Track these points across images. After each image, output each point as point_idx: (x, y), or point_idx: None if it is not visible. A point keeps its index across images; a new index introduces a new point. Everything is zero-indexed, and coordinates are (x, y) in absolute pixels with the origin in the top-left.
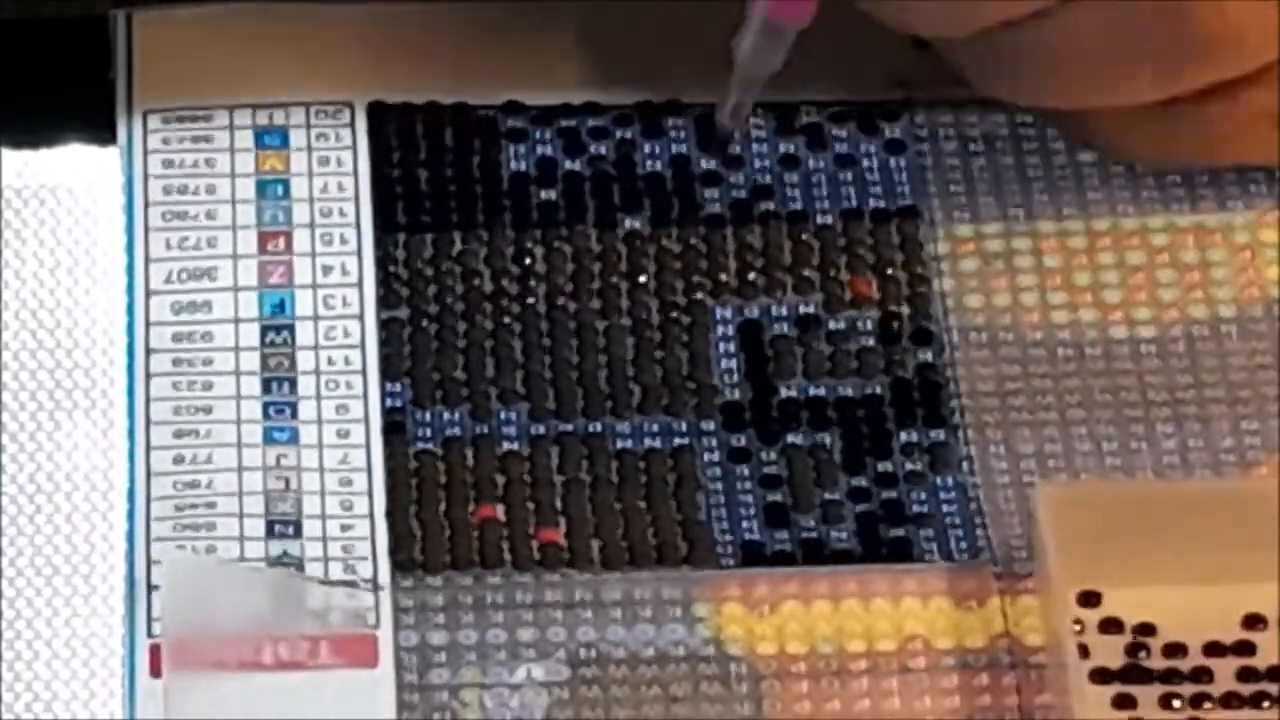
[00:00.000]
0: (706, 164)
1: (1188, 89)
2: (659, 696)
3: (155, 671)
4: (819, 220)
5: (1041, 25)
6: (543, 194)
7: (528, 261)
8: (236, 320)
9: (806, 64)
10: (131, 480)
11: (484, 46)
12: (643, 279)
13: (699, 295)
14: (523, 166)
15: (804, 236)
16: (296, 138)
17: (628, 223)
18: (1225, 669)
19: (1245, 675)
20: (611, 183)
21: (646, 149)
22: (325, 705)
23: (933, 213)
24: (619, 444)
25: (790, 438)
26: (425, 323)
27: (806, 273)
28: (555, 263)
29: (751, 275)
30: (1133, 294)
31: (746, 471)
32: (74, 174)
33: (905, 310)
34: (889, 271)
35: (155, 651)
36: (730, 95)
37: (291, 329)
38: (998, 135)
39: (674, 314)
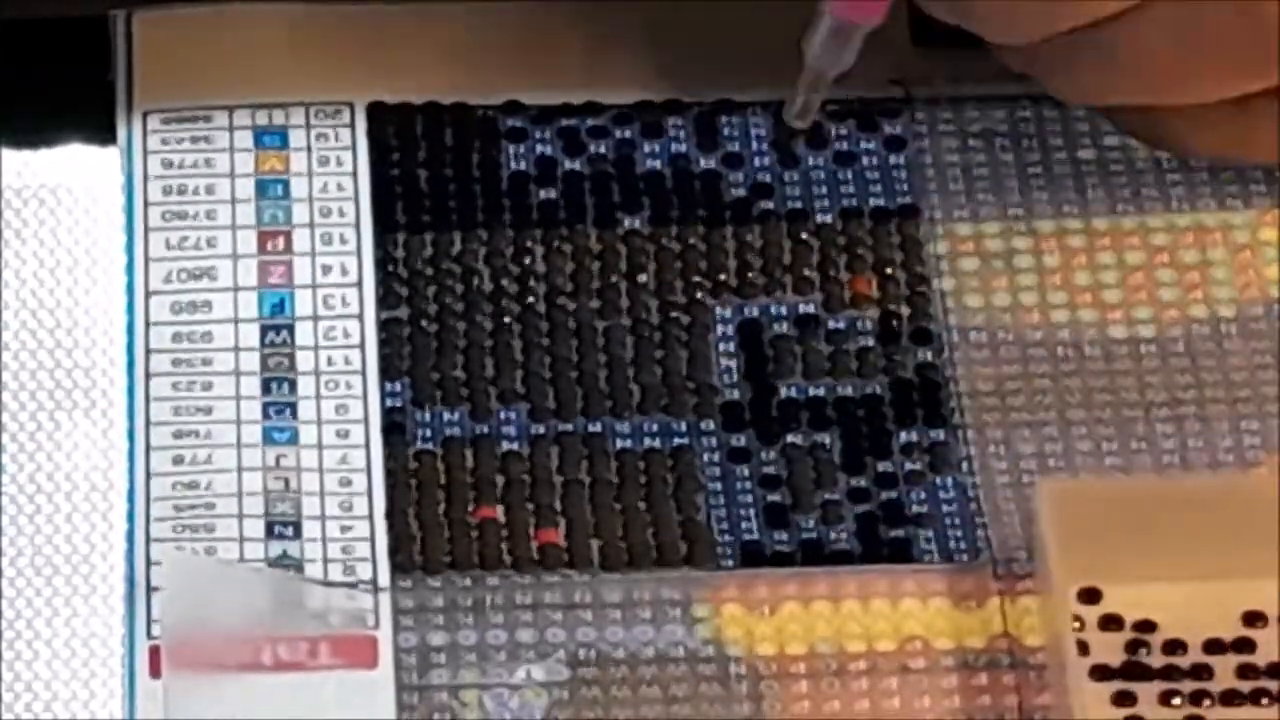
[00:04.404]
0: (706, 163)
1: (1262, 87)
2: (658, 697)
3: (155, 672)
4: (818, 219)
5: (1113, 26)
6: (542, 193)
7: (527, 261)
8: (236, 320)
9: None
10: (131, 480)
11: (484, 46)
12: (642, 278)
13: (699, 295)
14: (522, 166)
15: (803, 235)
16: (296, 138)
17: (627, 222)
18: (1225, 666)
19: (1245, 672)
20: (611, 182)
21: (646, 148)
22: (324, 706)
23: (932, 211)
24: (619, 444)
25: (790, 438)
26: (425, 323)
27: (806, 272)
28: (555, 262)
29: (751, 275)
30: (1132, 294)
31: (746, 471)
32: (74, 174)
33: (905, 310)
34: (888, 271)
35: (155, 652)
36: (799, 94)
37: (291, 329)
38: (997, 132)
39: (674, 314)
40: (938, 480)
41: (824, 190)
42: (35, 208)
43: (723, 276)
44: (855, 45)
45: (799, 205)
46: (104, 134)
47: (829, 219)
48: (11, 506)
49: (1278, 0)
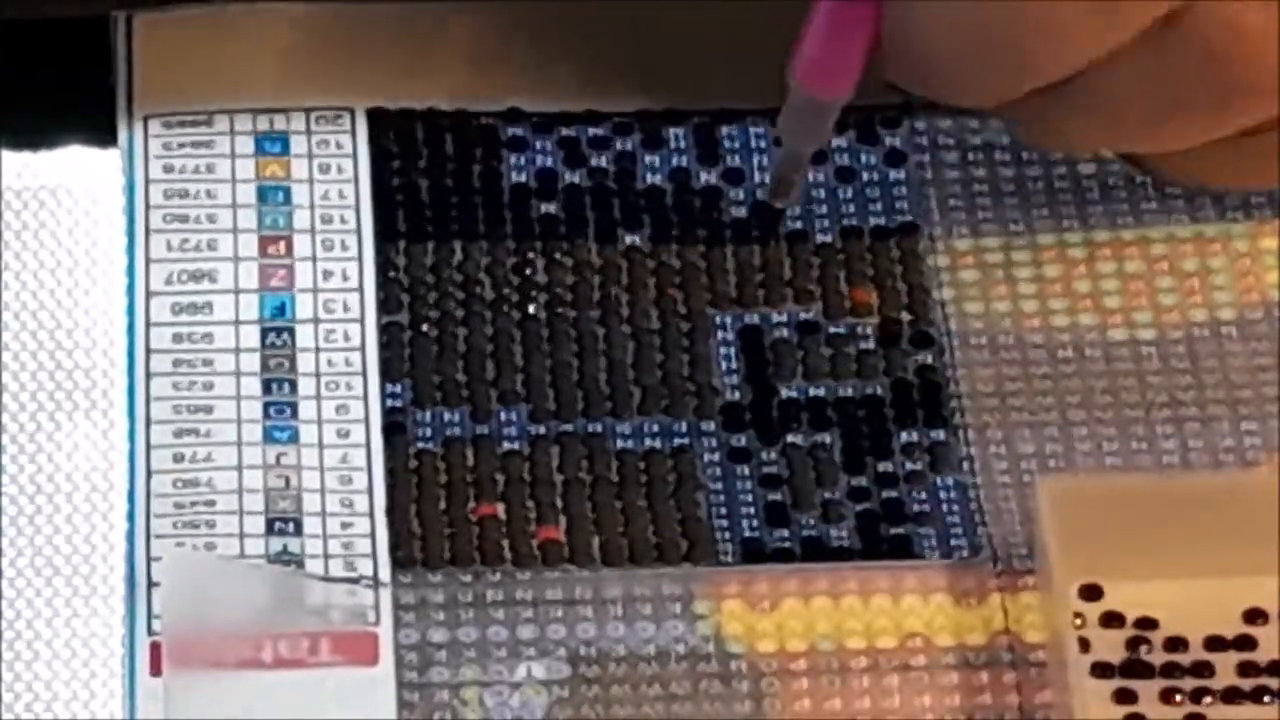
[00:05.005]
0: (706, 178)
1: (1235, 131)
2: (659, 695)
3: (155, 670)
4: (819, 239)
5: (1082, 83)
6: (543, 207)
7: (528, 272)
8: (237, 322)
9: None
10: (131, 479)
11: (484, 52)
12: (642, 292)
13: (699, 305)
14: (523, 178)
15: (804, 255)
16: (297, 144)
17: (628, 239)
18: (1226, 663)
19: (1246, 670)
20: (611, 197)
21: (646, 161)
22: (325, 704)
23: (932, 228)
24: (619, 444)
25: (790, 438)
26: (425, 327)
27: (807, 286)
28: (556, 274)
29: (751, 289)
30: (1133, 299)
31: (746, 471)
32: (74, 175)
33: (905, 316)
34: (889, 283)
35: (155, 649)
36: (777, 175)
37: (292, 331)
38: (997, 144)
39: (674, 321)
40: (938, 480)
41: (824, 210)
42: (35, 209)
43: (723, 289)
44: (830, 120)
45: (799, 225)
46: (104, 135)
47: (829, 239)
48: (11, 507)
49: (1242, 51)
